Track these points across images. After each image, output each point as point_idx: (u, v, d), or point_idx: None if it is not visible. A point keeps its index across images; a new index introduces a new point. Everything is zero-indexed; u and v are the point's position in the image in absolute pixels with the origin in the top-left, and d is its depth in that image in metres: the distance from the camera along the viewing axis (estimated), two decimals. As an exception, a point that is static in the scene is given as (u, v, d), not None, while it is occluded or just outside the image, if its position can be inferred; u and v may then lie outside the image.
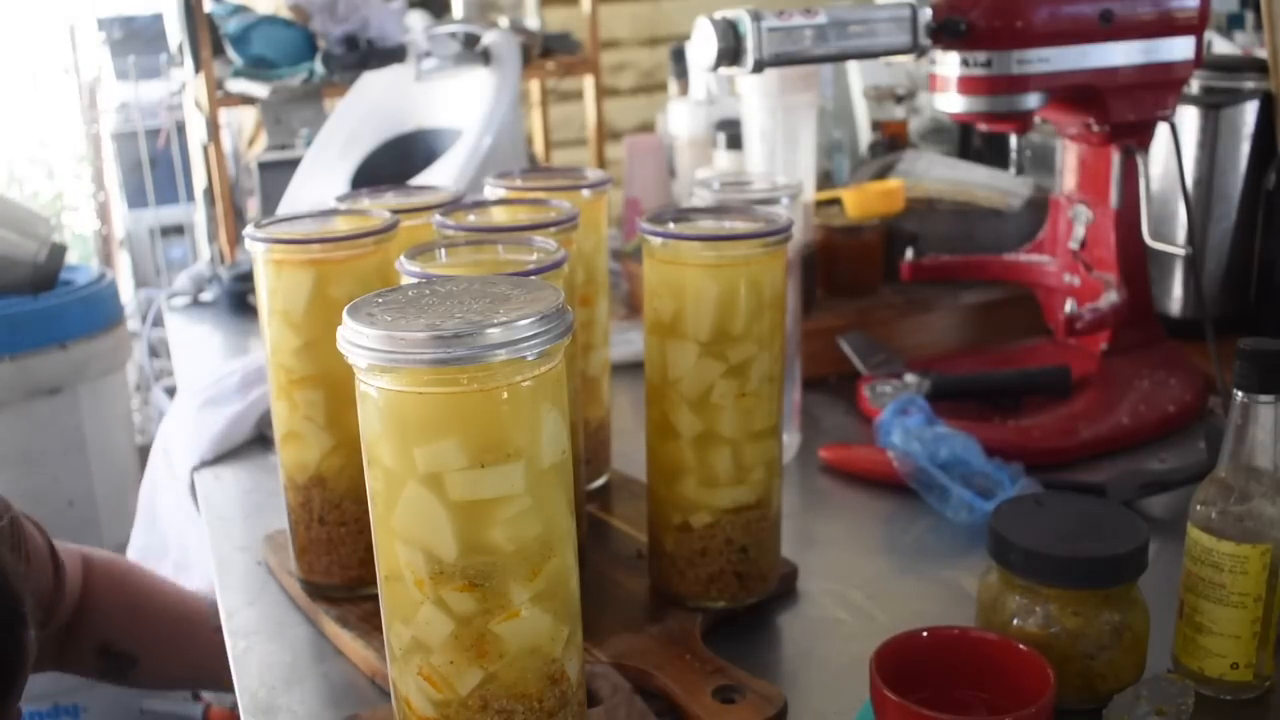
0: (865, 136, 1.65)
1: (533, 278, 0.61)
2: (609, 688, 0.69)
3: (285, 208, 1.61)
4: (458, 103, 1.66)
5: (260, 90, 2.35)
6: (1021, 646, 0.64)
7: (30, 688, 0.90)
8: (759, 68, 0.94)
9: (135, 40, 3.30)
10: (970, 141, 1.59)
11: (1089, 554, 0.66)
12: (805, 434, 1.07)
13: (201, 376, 1.21)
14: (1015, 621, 0.68)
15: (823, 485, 1.00)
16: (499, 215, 0.86)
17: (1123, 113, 1.03)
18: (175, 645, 1.17)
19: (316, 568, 0.82)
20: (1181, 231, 1.15)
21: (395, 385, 0.53)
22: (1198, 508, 0.68)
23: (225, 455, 1.12)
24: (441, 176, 1.45)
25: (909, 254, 1.19)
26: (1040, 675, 0.61)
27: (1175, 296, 1.23)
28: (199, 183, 2.71)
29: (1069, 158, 1.11)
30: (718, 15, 0.94)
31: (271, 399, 0.80)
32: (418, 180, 1.47)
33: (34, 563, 1.04)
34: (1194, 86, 1.22)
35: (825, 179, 1.58)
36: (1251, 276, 1.21)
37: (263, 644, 0.80)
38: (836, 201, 1.29)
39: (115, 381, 1.94)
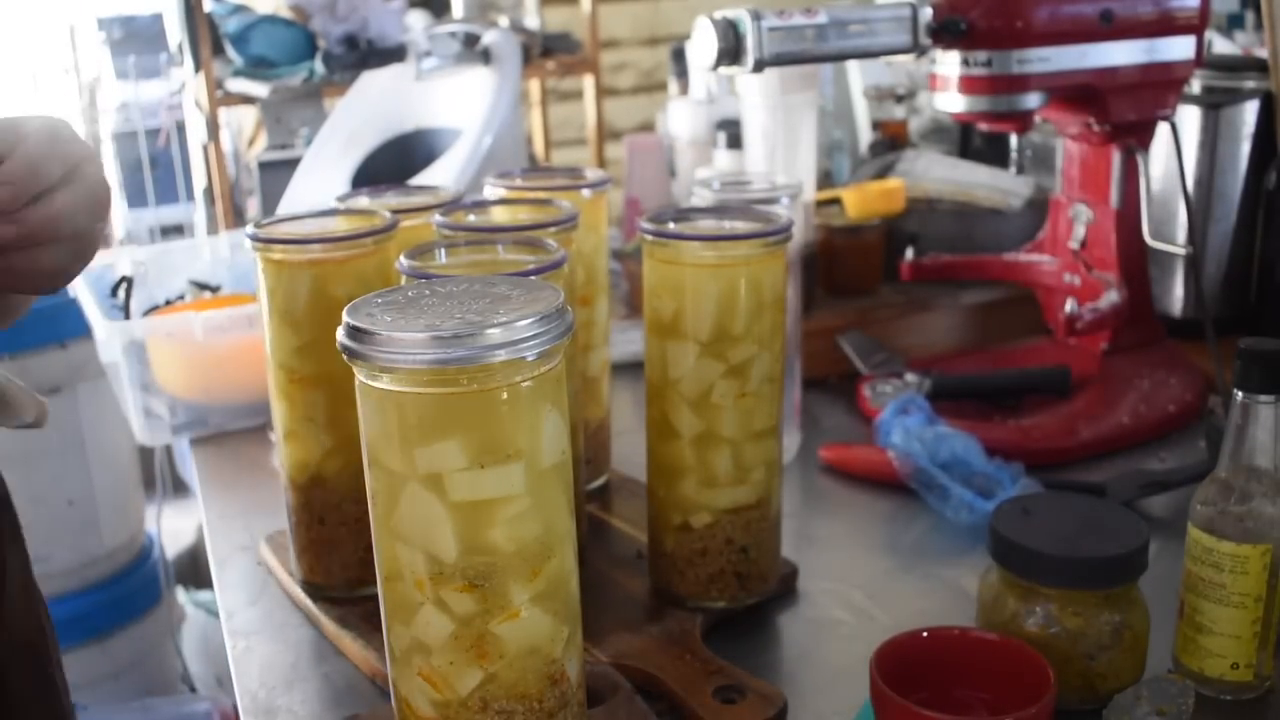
0: (865, 136, 1.65)
1: (533, 278, 0.61)
2: (609, 688, 0.69)
3: (285, 208, 1.61)
4: (458, 103, 1.66)
5: (260, 90, 2.35)
6: (1022, 646, 0.64)
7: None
8: (759, 67, 0.94)
9: (135, 40, 3.30)
10: (970, 141, 1.58)
11: (1089, 554, 0.66)
12: (805, 434, 1.06)
13: None
14: (1015, 621, 0.68)
15: (823, 485, 1.00)
16: (499, 215, 0.86)
17: (1123, 112, 1.03)
18: None
19: (316, 568, 0.82)
20: (1181, 231, 1.14)
21: (395, 385, 0.53)
22: (1198, 508, 0.68)
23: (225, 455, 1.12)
24: (441, 176, 1.45)
25: (909, 254, 1.19)
26: (1040, 675, 0.61)
27: (1175, 296, 1.23)
28: (199, 183, 2.72)
29: (1069, 158, 1.11)
30: (718, 15, 0.93)
31: (272, 399, 0.80)
32: (418, 180, 1.47)
33: None
34: (1194, 86, 1.22)
35: (825, 179, 1.58)
36: (1251, 276, 1.21)
37: (263, 644, 0.80)
38: (836, 201, 1.28)
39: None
